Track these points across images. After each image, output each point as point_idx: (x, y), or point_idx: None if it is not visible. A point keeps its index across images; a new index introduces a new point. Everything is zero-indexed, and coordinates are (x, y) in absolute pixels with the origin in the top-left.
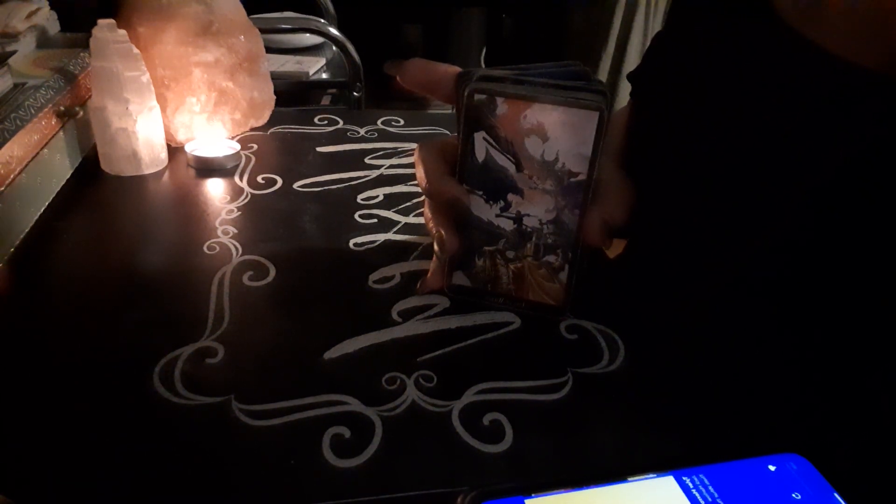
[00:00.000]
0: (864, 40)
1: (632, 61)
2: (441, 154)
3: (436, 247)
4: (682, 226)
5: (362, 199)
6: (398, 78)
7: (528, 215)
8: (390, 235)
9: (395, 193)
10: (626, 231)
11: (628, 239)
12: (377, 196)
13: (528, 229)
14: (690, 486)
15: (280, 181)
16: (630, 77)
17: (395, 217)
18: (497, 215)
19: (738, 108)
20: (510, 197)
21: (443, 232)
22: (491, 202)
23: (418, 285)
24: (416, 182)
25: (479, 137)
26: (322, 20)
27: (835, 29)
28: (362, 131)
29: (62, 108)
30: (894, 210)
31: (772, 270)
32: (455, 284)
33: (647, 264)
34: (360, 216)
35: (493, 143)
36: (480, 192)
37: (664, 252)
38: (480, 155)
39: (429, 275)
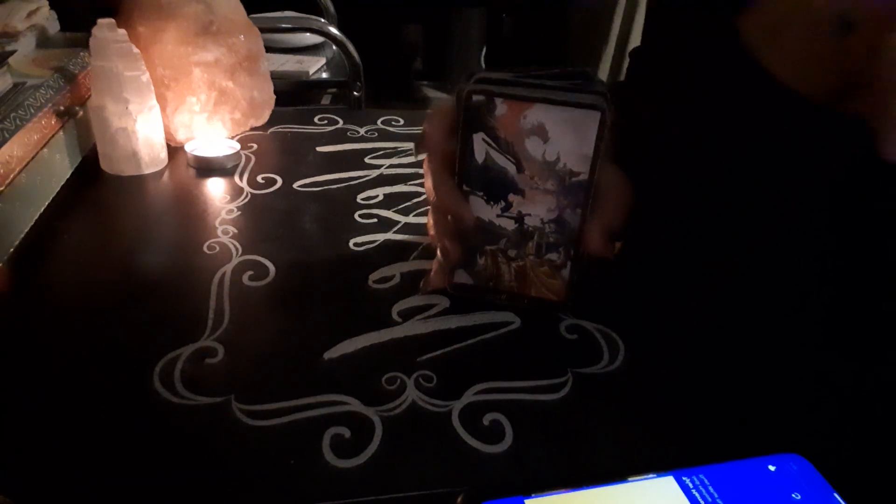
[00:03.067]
0: (811, 72)
1: None
2: (450, 164)
3: (438, 254)
4: (682, 227)
5: (362, 199)
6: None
7: (530, 215)
8: (390, 235)
9: (395, 193)
10: (624, 233)
11: (625, 240)
12: (377, 196)
13: (530, 228)
14: (690, 486)
15: (280, 181)
16: (613, 88)
17: (395, 217)
18: (498, 215)
19: (706, 125)
20: (511, 197)
21: (446, 242)
22: (492, 202)
23: (421, 284)
24: (416, 182)
25: (478, 139)
26: (322, 20)
27: (787, 59)
28: (362, 131)
29: (62, 108)
30: (885, 212)
31: (771, 270)
32: (457, 283)
33: (647, 264)
34: (360, 216)
35: (493, 144)
36: (481, 193)
37: (664, 252)
38: (480, 156)
39: (431, 274)
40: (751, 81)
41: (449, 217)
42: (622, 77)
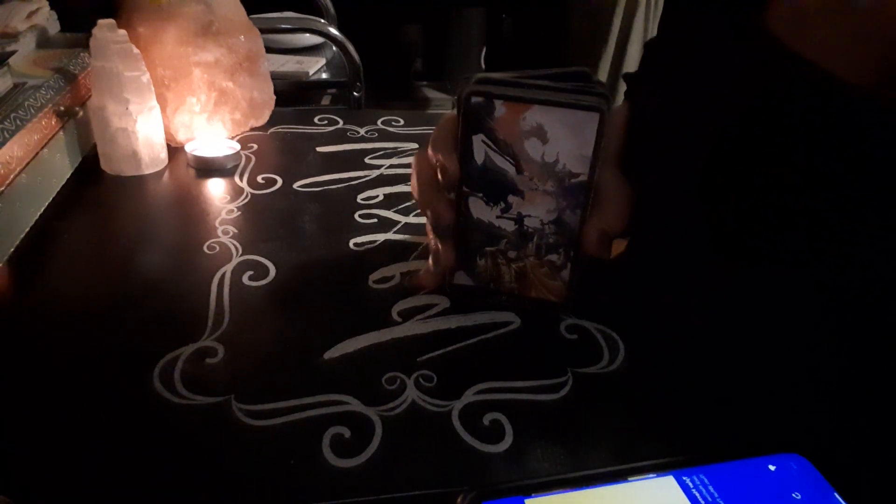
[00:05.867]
0: (850, 55)
1: (632, 61)
2: (439, 168)
3: (430, 257)
4: (681, 226)
5: (362, 199)
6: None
7: (530, 216)
8: (390, 235)
9: (395, 193)
10: (633, 232)
11: (629, 239)
12: (377, 196)
13: (530, 230)
14: (690, 486)
15: (280, 181)
16: (626, 77)
17: (395, 217)
18: (498, 217)
19: (726, 115)
20: (511, 198)
21: (438, 245)
22: (491, 204)
23: (408, 280)
24: None
25: (478, 140)
26: (322, 20)
27: (822, 43)
28: (362, 131)
29: (62, 108)
30: (886, 214)
31: (771, 268)
32: (457, 284)
33: (647, 264)
34: (360, 216)
35: (492, 146)
36: (480, 194)
37: (664, 252)
38: (479, 157)
39: (422, 272)
40: (782, 69)
41: (428, 213)
42: (621, 78)
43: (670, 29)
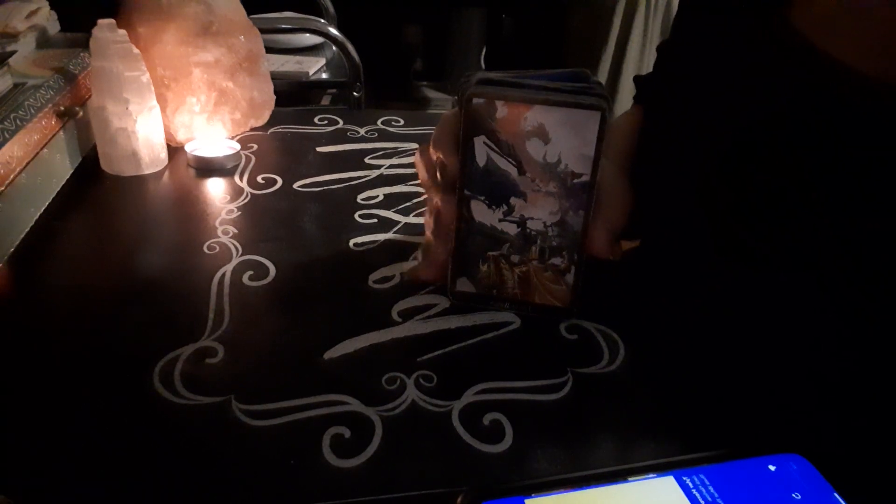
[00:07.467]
0: (881, 55)
1: (632, 61)
2: (445, 166)
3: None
4: (683, 227)
5: (362, 199)
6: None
7: (532, 218)
8: (390, 235)
9: (395, 193)
10: (634, 232)
11: (640, 239)
12: (377, 196)
13: (533, 233)
14: (690, 486)
15: (280, 181)
16: (636, 80)
17: (395, 217)
18: (500, 220)
19: (747, 114)
20: (513, 201)
21: (431, 238)
22: (494, 207)
23: (407, 272)
24: (416, 182)
25: (480, 142)
26: (322, 20)
27: (852, 43)
28: (362, 131)
29: (62, 108)
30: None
31: (772, 270)
32: (459, 291)
33: (647, 265)
34: (360, 216)
35: (494, 147)
36: (483, 198)
37: (665, 252)
38: (481, 160)
39: (417, 264)
40: (811, 68)
41: (436, 203)
42: (621, 78)
43: (684, 31)
